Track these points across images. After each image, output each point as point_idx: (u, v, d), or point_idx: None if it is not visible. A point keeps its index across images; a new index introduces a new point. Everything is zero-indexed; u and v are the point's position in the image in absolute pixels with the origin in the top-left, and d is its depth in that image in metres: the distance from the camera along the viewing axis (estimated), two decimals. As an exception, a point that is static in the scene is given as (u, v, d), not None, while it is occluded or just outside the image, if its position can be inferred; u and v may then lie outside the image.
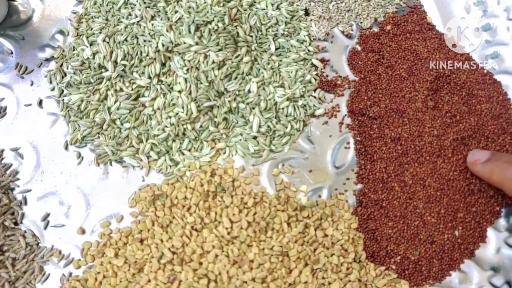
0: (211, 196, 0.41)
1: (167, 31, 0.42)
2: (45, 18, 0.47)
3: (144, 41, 0.43)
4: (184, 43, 0.42)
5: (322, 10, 0.48)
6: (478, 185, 0.41)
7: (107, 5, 0.46)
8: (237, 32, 0.44)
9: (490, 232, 0.41)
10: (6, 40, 0.46)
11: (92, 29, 0.45)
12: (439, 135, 0.42)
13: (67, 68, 0.44)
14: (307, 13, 0.48)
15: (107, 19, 0.45)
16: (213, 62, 0.42)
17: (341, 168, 0.43)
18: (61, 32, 0.46)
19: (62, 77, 0.44)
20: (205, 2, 0.44)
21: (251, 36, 0.45)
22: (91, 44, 0.44)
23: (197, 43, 0.42)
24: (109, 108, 0.42)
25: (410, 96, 0.44)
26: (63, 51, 0.45)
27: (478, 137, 0.43)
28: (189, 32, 0.42)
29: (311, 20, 0.48)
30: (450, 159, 0.41)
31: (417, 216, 0.40)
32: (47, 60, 0.45)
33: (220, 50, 0.42)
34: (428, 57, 0.45)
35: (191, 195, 0.40)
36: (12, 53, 0.45)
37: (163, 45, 0.42)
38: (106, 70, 0.43)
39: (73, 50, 0.45)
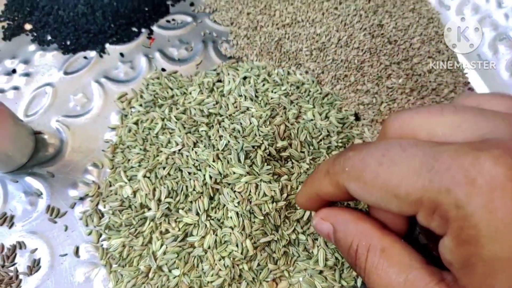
0: None
1: (213, 161, 0.38)
2: (75, 151, 0.43)
3: (189, 173, 0.38)
4: (234, 173, 0.37)
5: (373, 113, 0.44)
6: None
7: (143, 131, 0.42)
8: (290, 153, 0.40)
9: None
10: (34, 179, 0.42)
11: (129, 161, 0.41)
12: None
13: (105, 208, 0.40)
14: (357, 117, 0.44)
15: (145, 149, 0.41)
16: (265, 195, 0.37)
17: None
18: (94, 165, 0.42)
19: (100, 219, 0.40)
20: (251, 123, 0.40)
21: (303, 152, 0.41)
22: (130, 180, 0.40)
23: (248, 173, 0.37)
24: (154, 253, 0.37)
25: None
26: (98, 187, 0.41)
27: None
28: (239, 161, 0.38)
29: (362, 125, 0.44)
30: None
31: None
32: (81, 199, 0.41)
33: (270, 181, 0.38)
34: None
35: None
36: (41, 194, 0.41)
37: (210, 177, 0.38)
38: (149, 209, 0.38)
39: (110, 186, 0.41)
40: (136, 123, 0.43)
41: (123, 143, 0.42)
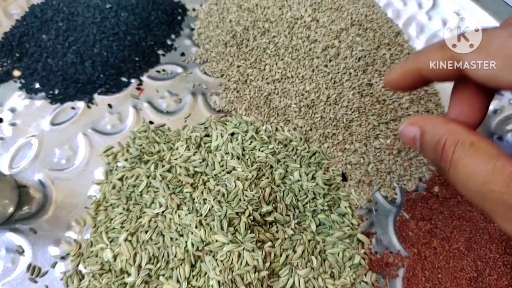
0: None
1: (196, 227, 0.37)
2: (59, 206, 0.43)
3: (171, 239, 0.38)
4: (216, 241, 0.37)
5: (361, 173, 0.44)
6: None
7: (127, 188, 0.42)
8: (275, 217, 0.39)
9: None
10: (16, 235, 0.41)
11: (111, 220, 0.41)
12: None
13: (85, 269, 0.39)
14: (344, 178, 0.44)
15: (128, 209, 0.41)
16: (247, 264, 0.37)
17: None
18: (77, 221, 0.42)
19: (80, 280, 0.39)
20: (236, 186, 0.40)
21: (288, 216, 0.40)
22: (111, 241, 0.39)
23: (231, 241, 0.37)
24: (133, 320, 0.37)
25: (474, 278, 0.38)
26: (80, 246, 0.40)
27: None
28: (222, 228, 0.37)
29: (349, 186, 0.44)
30: None
31: None
32: (62, 258, 0.40)
33: (253, 249, 0.37)
34: (486, 227, 0.40)
35: None
36: (23, 252, 0.40)
37: (192, 245, 0.37)
38: (129, 275, 0.37)
39: (91, 246, 0.40)
40: (121, 179, 0.43)
41: (107, 200, 0.42)
